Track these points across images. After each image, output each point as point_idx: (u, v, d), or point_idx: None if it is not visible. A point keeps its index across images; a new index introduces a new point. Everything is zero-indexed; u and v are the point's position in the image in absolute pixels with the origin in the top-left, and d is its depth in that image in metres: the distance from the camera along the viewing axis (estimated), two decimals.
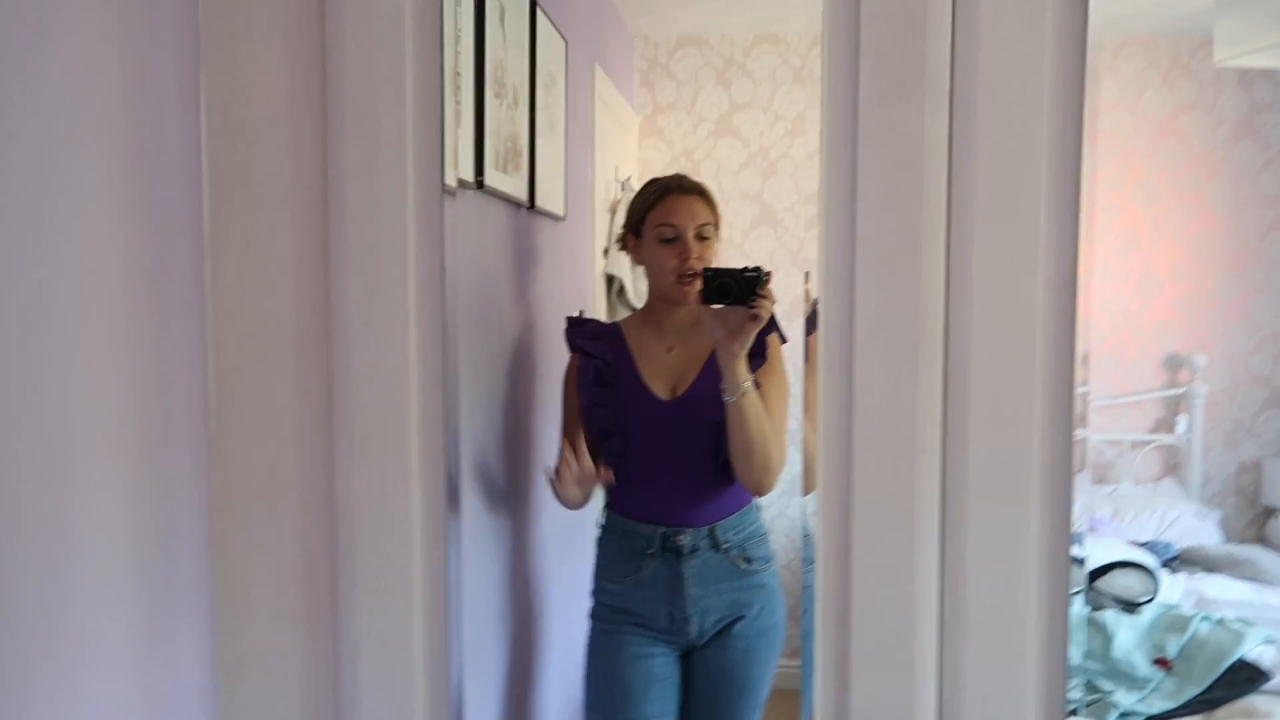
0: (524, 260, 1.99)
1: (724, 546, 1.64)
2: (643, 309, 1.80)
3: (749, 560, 1.66)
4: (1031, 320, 0.81)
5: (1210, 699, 1.98)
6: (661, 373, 1.69)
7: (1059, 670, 0.83)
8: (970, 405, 0.82)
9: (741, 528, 1.67)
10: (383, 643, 0.87)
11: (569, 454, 1.59)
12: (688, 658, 1.70)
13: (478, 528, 1.63)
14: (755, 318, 1.44)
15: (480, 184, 1.65)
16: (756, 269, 1.44)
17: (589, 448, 1.75)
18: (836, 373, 0.84)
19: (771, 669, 1.71)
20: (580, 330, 1.75)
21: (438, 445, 0.87)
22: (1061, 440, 0.82)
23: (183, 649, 0.87)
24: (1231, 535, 3.70)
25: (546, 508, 2.03)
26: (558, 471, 1.61)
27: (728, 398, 1.51)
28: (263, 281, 0.90)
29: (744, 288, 1.41)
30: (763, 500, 1.72)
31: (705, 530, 1.63)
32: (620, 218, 2.41)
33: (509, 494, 1.81)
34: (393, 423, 0.87)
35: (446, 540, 0.87)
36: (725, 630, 1.66)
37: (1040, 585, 0.83)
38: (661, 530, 1.63)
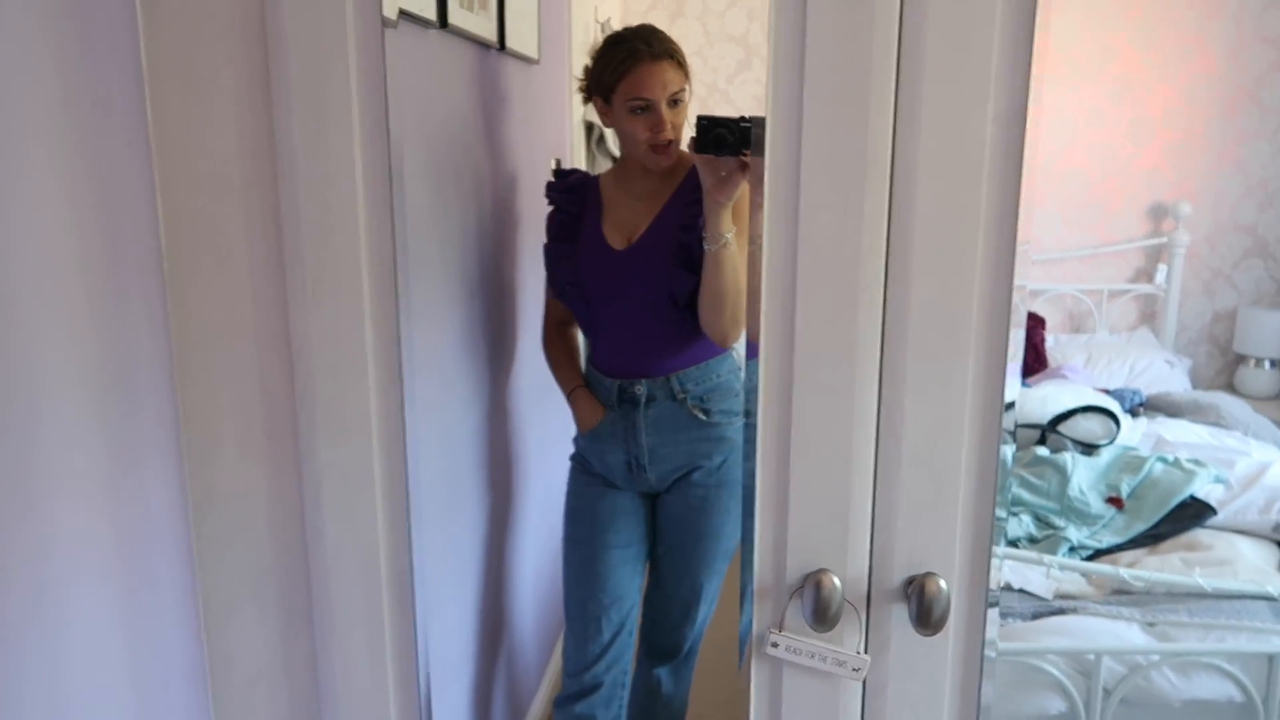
0: (494, 104, 1.94)
1: (680, 397, 1.65)
2: (620, 164, 1.78)
3: (707, 412, 1.67)
4: (979, 156, 0.81)
5: (1156, 534, 2.08)
6: (622, 222, 1.68)
7: (988, 501, 0.87)
8: (914, 242, 0.83)
9: (703, 379, 1.67)
10: (343, 476, 0.91)
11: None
12: (654, 501, 1.76)
13: (456, 375, 1.66)
14: (746, 167, 1.42)
15: (444, 23, 1.59)
16: (753, 118, 1.43)
17: (555, 304, 1.79)
18: (781, 207, 0.84)
19: (735, 519, 1.71)
20: (559, 182, 1.74)
21: (389, 284, 0.88)
22: (1002, 279, 0.83)
23: (150, 482, 0.90)
24: (1200, 383, 3.79)
25: (526, 356, 2.06)
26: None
27: (708, 246, 1.49)
28: (205, 119, 0.88)
29: (739, 138, 1.39)
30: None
31: (661, 380, 1.65)
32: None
33: (487, 342, 1.83)
34: (342, 262, 0.87)
35: (401, 376, 0.89)
36: (684, 479, 1.70)
37: (973, 421, 0.86)
38: (619, 382, 1.66)
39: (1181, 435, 2.59)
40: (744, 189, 1.52)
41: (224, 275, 0.89)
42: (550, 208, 1.76)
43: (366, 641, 0.96)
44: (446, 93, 1.65)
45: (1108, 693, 1.66)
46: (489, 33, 1.85)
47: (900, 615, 0.88)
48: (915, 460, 0.87)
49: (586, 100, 1.70)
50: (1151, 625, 1.78)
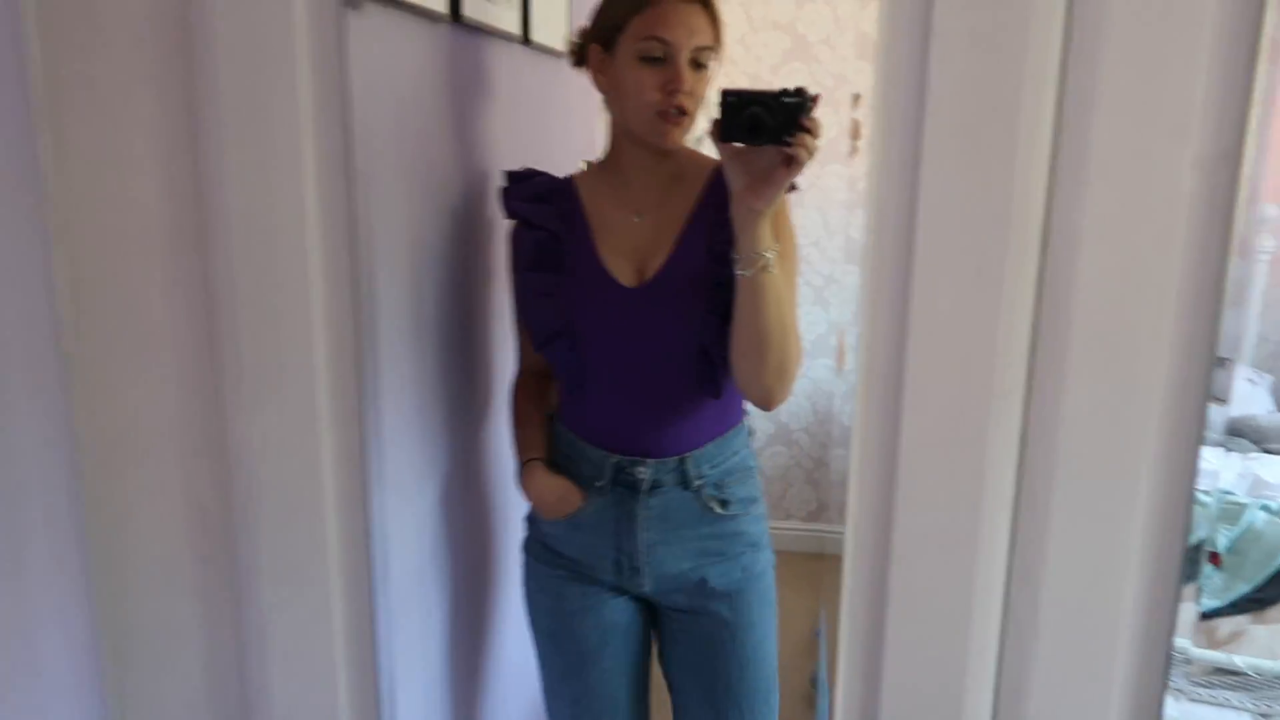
0: (519, 106, 1.72)
1: (696, 484, 1.24)
2: (604, 158, 1.29)
3: (725, 503, 1.26)
4: (1172, 213, 0.57)
5: (1261, 598, 1.83)
6: (625, 248, 1.24)
7: (1157, 669, 0.64)
8: (1073, 328, 0.59)
9: (721, 459, 1.26)
10: (295, 622, 0.69)
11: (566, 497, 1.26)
12: (653, 613, 1.34)
13: (423, 450, 1.25)
14: (793, 162, 1.00)
15: (456, 14, 1.37)
16: (799, 91, 1.01)
17: (531, 346, 1.33)
18: (886, 280, 0.61)
19: (768, 636, 1.30)
20: (520, 189, 1.28)
21: (351, 372, 0.66)
22: (1195, 378, 0.59)
23: (44, 631, 0.69)
24: None
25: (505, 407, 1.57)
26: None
27: (742, 271, 1.09)
28: (114, 157, 0.66)
29: (782, 120, 1.00)
30: None
31: (673, 462, 1.23)
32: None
33: (461, 386, 1.43)
34: (291, 345, 0.66)
35: (368, 490, 0.67)
36: (694, 589, 1.28)
37: (1143, 564, 0.63)
38: (614, 459, 1.24)
39: None
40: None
41: (142, 363, 0.68)
42: (511, 223, 1.30)
43: None
44: (462, 96, 1.42)
45: None
46: (512, 25, 1.63)
47: None
48: (1059, 617, 0.64)
49: (579, 61, 1.27)
50: (1266, 718, 1.53)
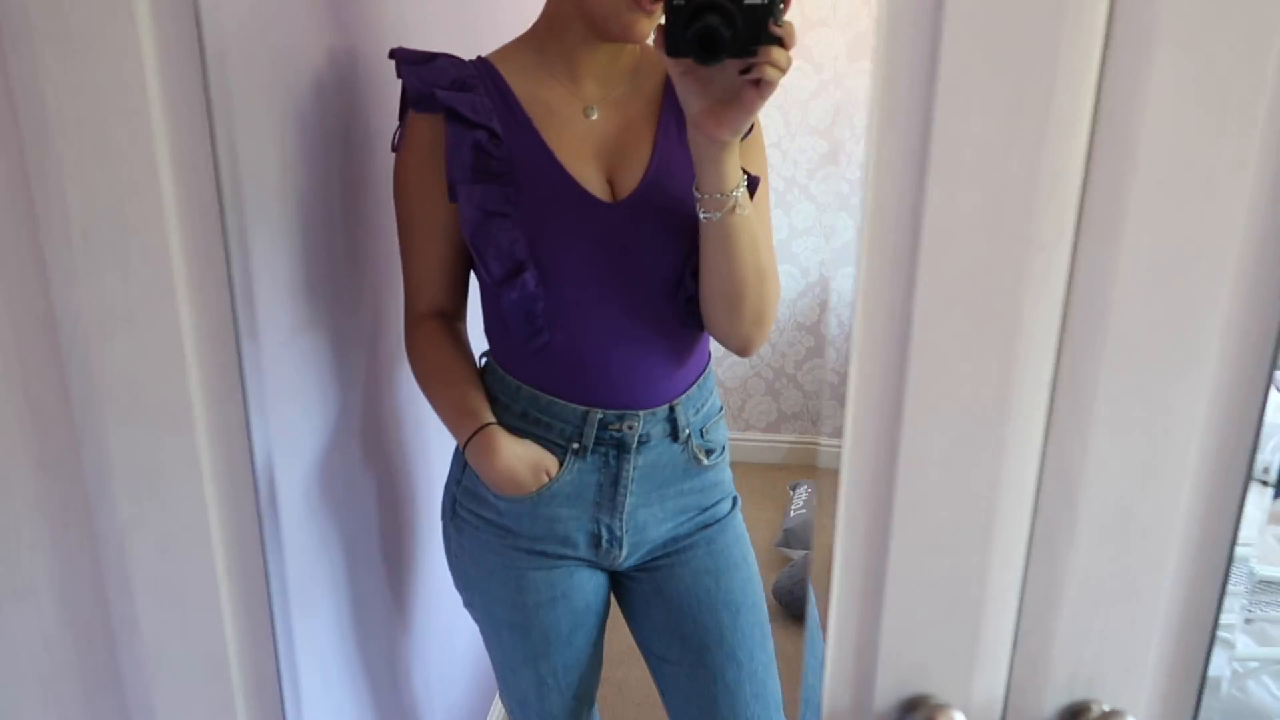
0: None
1: (684, 434, 1.09)
2: (538, 33, 1.04)
3: (710, 451, 1.12)
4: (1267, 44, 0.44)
5: None
6: (586, 153, 1.02)
7: (1211, 594, 0.54)
8: (1137, 160, 0.47)
9: (702, 401, 1.11)
10: (159, 540, 0.56)
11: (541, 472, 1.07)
12: (615, 577, 1.19)
13: (321, 369, 1.03)
14: (763, 84, 0.83)
15: None
16: None
17: (433, 278, 1.08)
18: (899, 97, 0.47)
19: (753, 577, 1.15)
20: (428, 71, 1.00)
21: (212, 223, 0.52)
22: (1276, 229, 0.47)
23: None
24: None
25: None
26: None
27: (707, 213, 0.93)
28: None
29: (747, 27, 0.81)
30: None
31: (663, 411, 1.07)
32: None
33: (351, 312, 1.17)
34: (129, 191, 0.51)
35: (244, 375, 0.54)
36: (676, 553, 1.13)
37: (1201, 465, 0.51)
38: (599, 414, 1.05)
39: None
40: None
41: None
42: (417, 119, 1.01)
43: None
44: None
45: None
46: None
47: None
48: (1098, 530, 0.53)
49: None
50: (1248, 622, 1.48)
